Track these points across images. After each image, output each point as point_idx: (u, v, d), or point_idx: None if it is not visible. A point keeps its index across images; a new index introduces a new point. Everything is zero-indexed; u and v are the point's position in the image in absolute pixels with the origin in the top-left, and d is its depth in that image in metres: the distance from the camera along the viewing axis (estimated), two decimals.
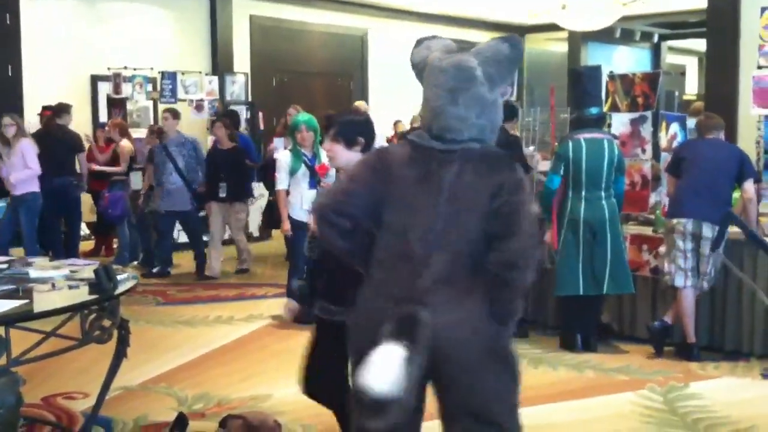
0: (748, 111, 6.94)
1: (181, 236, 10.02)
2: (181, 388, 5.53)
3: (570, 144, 6.33)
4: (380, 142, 8.89)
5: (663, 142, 7.34)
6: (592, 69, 6.88)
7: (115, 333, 4.24)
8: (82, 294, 3.95)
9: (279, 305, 7.47)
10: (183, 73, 11.93)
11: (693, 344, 6.16)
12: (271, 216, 9.20)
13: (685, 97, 16.98)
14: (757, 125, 6.98)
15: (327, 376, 3.81)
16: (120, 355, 4.36)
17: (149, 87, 11.77)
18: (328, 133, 3.95)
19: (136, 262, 9.85)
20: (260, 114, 12.65)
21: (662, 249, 6.33)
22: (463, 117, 2.89)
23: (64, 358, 4.52)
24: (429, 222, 2.84)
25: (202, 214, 9.62)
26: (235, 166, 9.35)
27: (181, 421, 4.53)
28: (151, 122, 11.48)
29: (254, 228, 11.44)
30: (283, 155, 7.23)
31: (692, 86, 19.71)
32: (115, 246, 10.43)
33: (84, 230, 10.48)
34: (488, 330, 2.83)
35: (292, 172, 7.00)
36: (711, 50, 10.50)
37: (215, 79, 12.41)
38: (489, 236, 2.82)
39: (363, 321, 2.90)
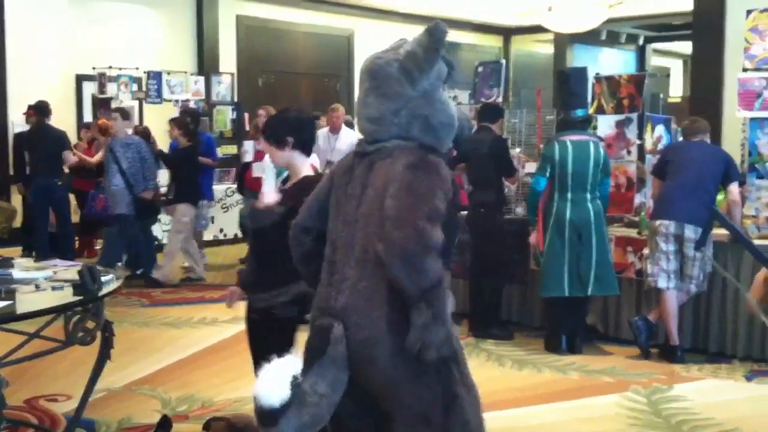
0: (733, 113, 6.95)
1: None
2: (165, 390, 5.51)
3: (556, 146, 6.34)
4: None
5: (648, 144, 7.36)
6: (578, 70, 6.90)
7: (99, 335, 4.21)
8: (66, 295, 3.92)
9: None
10: (169, 73, 11.90)
11: (677, 346, 6.18)
12: None
13: (670, 100, 17.02)
14: (742, 128, 7.00)
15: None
16: (104, 357, 4.33)
17: (135, 87, 11.73)
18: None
19: (120, 264, 9.79)
20: (246, 115, 12.61)
21: (646, 251, 6.35)
22: (376, 117, 2.79)
23: (47, 360, 4.50)
24: (347, 230, 2.75)
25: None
26: (181, 167, 9.11)
27: (165, 423, 4.51)
28: (137, 122, 11.42)
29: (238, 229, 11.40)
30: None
31: (677, 88, 19.78)
32: (97, 247, 10.37)
33: None
34: (396, 347, 2.63)
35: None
36: (696, 52, 10.54)
37: (201, 79, 12.38)
38: None
39: (308, 332, 2.85)
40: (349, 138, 9.27)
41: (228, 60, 13.38)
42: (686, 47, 12.85)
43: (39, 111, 9.57)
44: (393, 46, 2.86)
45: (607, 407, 5.29)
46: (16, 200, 10.66)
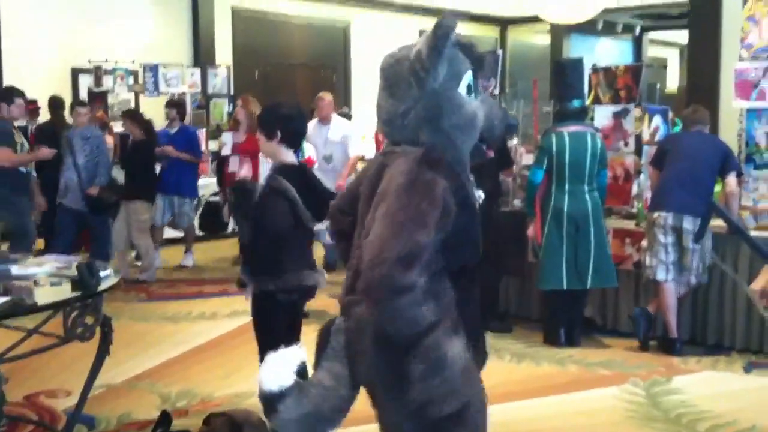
0: (730, 103, 6.94)
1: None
2: (165, 385, 5.52)
3: (553, 137, 6.33)
4: (358, 136, 8.75)
5: (645, 135, 7.35)
6: (575, 61, 6.88)
7: (98, 330, 4.21)
8: (65, 291, 3.92)
9: None
10: (165, 66, 11.86)
11: (675, 339, 6.19)
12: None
13: (667, 90, 17.03)
14: (739, 118, 6.99)
15: None
16: (103, 352, 4.33)
17: (131, 80, 11.70)
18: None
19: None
20: None
21: (644, 243, 6.35)
22: (386, 119, 2.72)
23: (46, 356, 4.50)
24: (360, 233, 2.74)
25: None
26: (136, 161, 8.88)
27: (165, 418, 4.51)
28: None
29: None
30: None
31: (674, 79, 19.78)
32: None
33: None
34: (375, 349, 2.61)
35: None
36: (693, 42, 10.52)
37: (197, 71, 12.35)
38: None
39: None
40: (342, 128, 9.01)
41: (224, 52, 13.34)
42: (683, 37, 12.83)
43: (52, 105, 9.62)
44: (413, 43, 2.73)
45: (605, 400, 5.30)
46: None
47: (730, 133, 7.60)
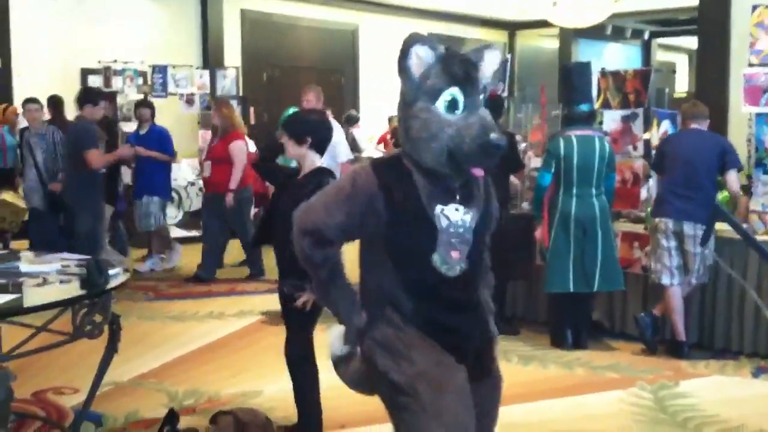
0: (739, 109, 6.94)
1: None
2: (172, 383, 5.52)
3: (561, 141, 6.33)
4: (365, 139, 8.61)
5: (654, 139, 7.35)
6: (582, 65, 6.87)
7: (106, 328, 4.22)
8: (74, 289, 3.92)
9: (270, 301, 7.45)
10: (174, 67, 11.89)
11: (683, 342, 6.17)
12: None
13: (675, 95, 17.01)
14: (748, 123, 6.99)
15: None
16: (111, 350, 4.33)
17: (140, 81, 11.73)
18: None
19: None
20: (251, 109, 12.61)
21: (649, 248, 6.34)
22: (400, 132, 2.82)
23: (54, 353, 4.51)
24: None
25: None
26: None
27: (172, 417, 4.51)
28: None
29: None
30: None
31: (683, 84, 19.75)
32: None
33: None
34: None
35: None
36: (702, 47, 10.50)
37: (206, 73, 12.37)
38: None
39: None
40: None
41: (233, 54, 13.36)
42: (692, 42, 12.82)
43: (54, 104, 9.60)
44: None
45: (612, 403, 5.29)
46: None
47: (739, 138, 7.59)
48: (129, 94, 11.74)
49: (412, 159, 2.69)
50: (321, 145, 4.37)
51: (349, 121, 13.84)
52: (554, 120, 7.53)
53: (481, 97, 2.68)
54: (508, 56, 8.55)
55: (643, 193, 7.10)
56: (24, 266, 4.35)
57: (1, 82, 10.52)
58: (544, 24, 14.06)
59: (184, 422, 4.58)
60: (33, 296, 3.83)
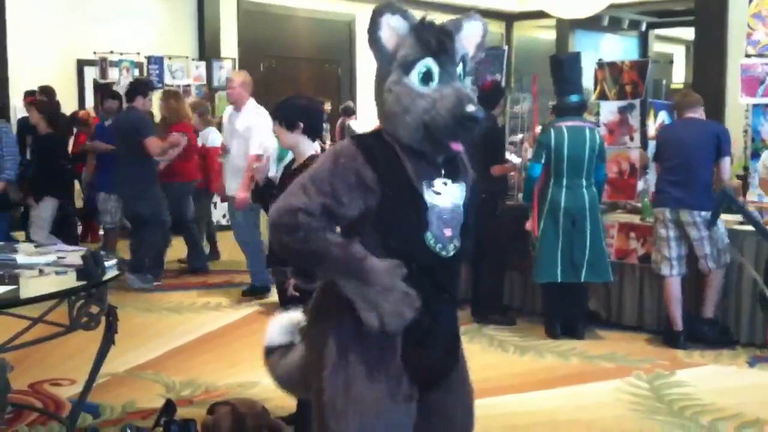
0: (736, 100, 6.95)
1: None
2: (169, 374, 5.53)
3: (552, 132, 6.33)
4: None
5: (651, 130, 7.35)
6: (572, 56, 6.87)
7: (103, 319, 4.22)
8: (70, 280, 3.92)
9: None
10: (170, 58, 11.88)
11: (679, 332, 6.19)
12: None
13: (672, 86, 17.01)
14: (745, 114, 7.00)
15: None
16: (108, 341, 4.33)
17: (136, 72, 11.71)
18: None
19: None
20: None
21: (652, 238, 6.34)
22: None
23: (51, 345, 4.51)
24: None
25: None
26: (40, 156, 8.46)
27: (169, 407, 4.52)
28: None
29: None
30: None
31: (680, 75, 19.75)
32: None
33: None
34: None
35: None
36: (699, 39, 10.53)
37: (202, 64, 12.38)
38: None
39: None
40: (248, 118, 7.53)
41: (229, 45, 13.35)
42: (689, 33, 12.82)
43: (47, 94, 9.57)
44: None
45: (608, 393, 5.30)
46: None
47: (736, 129, 7.60)
48: (125, 85, 11.70)
49: (391, 135, 2.56)
50: (313, 129, 4.21)
51: (346, 112, 13.86)
52: (549, 110, 7.53)
53: (459, 68, 2.54)
54: (505, 47, 8.52)
55: (640, 185, 7.11)
56: (21, 258, 4.35)
57: None
58: (541, 15, 14.04)
59: (181, 413, 4.58)
60: (29, 287, 3.82)
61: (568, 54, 7.74)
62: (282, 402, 4.81)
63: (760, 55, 6.63)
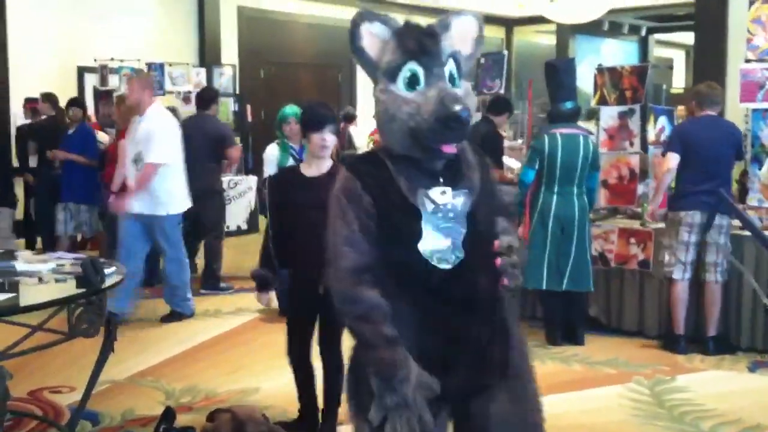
0: (736, 104, 6.94)
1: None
2: (168, 381, 5.52)
3: (546, 138, 6.32)
4: (364, 136, 8.45)
5: (651, 135, 7.34)
6: (567, 62, 6.87)
7: (102, 327, 4.22)
8: (70, 288, 3.92)
9: None
10: (170, 65, 11.87)
11: (680, 336, 6.17)
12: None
13: (672, 91, 17.01)
14: (745, 119, 6.99)
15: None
16: (107, 348, 4.33)
17: None
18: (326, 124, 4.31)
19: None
20: (248, 106, 12.61)
21: (665, 241, 6.25)
22: None
23: (50, 352, 4.51)
24: None
25: None
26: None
27: (169, 414, 4.52)
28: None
29: (241, 221, 11.41)
30: (270, 149, 7.19)
31: (680, 80, 19.75)
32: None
33: None
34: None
35: (280, 165, 6.97)
36: (699, 43, 10.52)
37: (203, 71, 12.36)
38: None
39: None
40: (149, 124, 6.82)
41: (229, 51, 13.36)
42: (689, 38, 12.83)
43: (53, 101, 9.56)
44: None
45: (610, 398, 5.30)
46: (19, 191, 10.60)
47: None
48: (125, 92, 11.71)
49: (384, 147, 2.53)
50: (335, 133, 4.43)
51: (347, 118, 13.84)
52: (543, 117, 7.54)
53: (450, 68, 2.48)
54: (505, 52, 8.53)
55: (640, 189, 7.10)
56: (20, 265, 4.35)
57: None
58: (541, 20, 14.06)
59: (181, 420, 4.58)
60: (29, 295, 3.83)
61: (563, 60, 7.75)
62: (282, 408, 4.81)
63: (760, 60, 6.62)
